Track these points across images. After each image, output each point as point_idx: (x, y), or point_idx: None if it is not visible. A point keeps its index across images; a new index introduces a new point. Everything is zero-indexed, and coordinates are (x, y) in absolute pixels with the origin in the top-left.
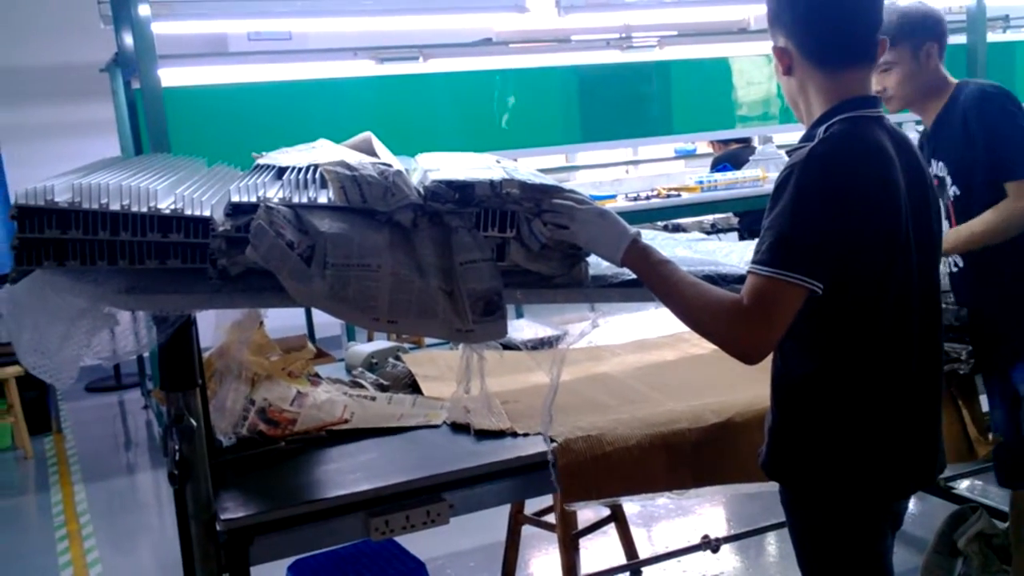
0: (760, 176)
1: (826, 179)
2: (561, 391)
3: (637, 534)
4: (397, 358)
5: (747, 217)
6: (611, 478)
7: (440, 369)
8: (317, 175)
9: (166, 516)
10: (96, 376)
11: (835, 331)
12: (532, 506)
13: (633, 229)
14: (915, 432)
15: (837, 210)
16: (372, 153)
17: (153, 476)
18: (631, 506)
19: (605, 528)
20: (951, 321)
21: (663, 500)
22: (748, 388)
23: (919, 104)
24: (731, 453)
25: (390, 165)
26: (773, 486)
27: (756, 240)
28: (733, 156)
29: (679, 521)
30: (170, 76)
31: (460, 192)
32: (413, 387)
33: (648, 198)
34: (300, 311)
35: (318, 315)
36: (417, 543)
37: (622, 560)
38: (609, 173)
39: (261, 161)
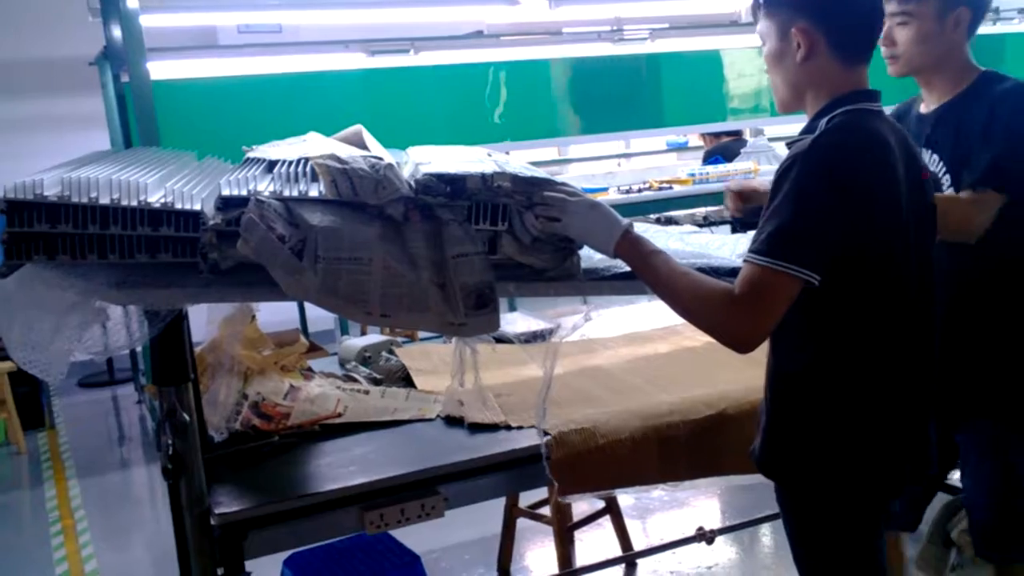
0: (752, 169)
1: (828, 171)
2: (554, 384)
3: (632, 526)
4: (390, 352)
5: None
6: (605, 471)
7: (434, 363)
8: (308, 168)
9: (160, 511)
10: (89, 371)
11: (832, 325)
12: (527, 499)
13: (625, 220)
14: (911, 428)
15: (838, 202)
16: (363, 146)
17: (147, 471)
18: (626, 498)
19: (600, 520)
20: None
21: (658, 492)
22: (741, 380)
23: (927, 75)
24: (725, 445)
25: (381, 158)
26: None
27: (748, 233)
28: (725, 149)
29: (674, 513)
30: (159, 69)
31: (451, 185)
32: (407, 381)
33: (640, 191)
34: (293, 305)
35: (311, 309)
36: (412, 536)
37: (617, 552)
38: (601, 166)
39: (251, 154)
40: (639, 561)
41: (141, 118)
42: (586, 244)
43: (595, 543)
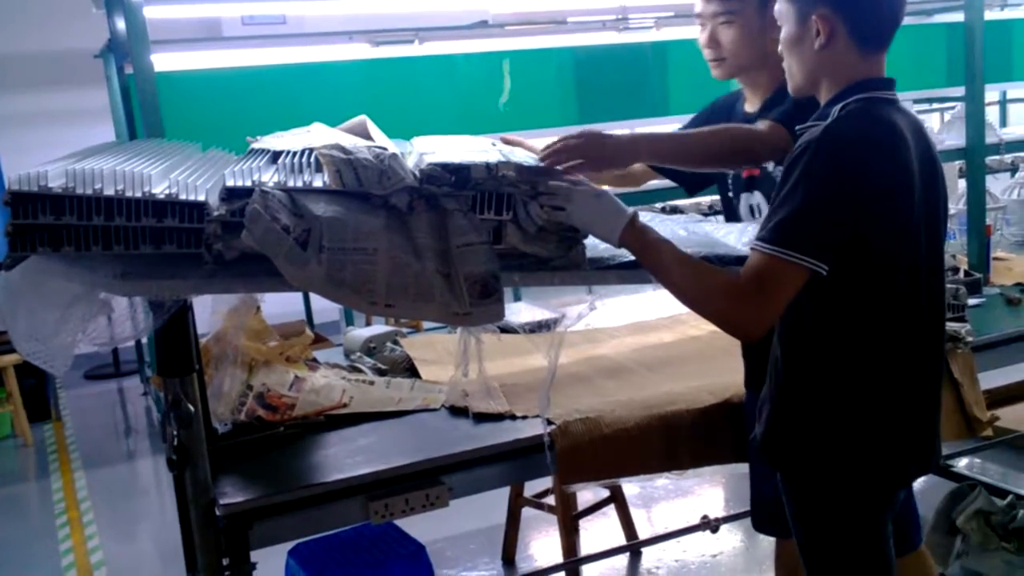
0: None
1: (839, 159)
2: (559, 374)
3: (637, 515)
4: (395, 342)
5: None
6: (610, 460)
7: (438, 353)
8: (312, 159)
9: (166, 502)
10: (95, 363)
11: (839, 314)
12: (531, 488)
13: (630, 209)
14: (918, 418)
15: (849, 190)
16: (367, 137)
17: (153, 462)
18: (630, 487)
19: (605, 509)
20: (949, 299)
21: (662, 481)
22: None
23: (753, 74)
24: (729, 434)
25: (385, 148)
26: None
27: (753, 221)
28: None
29: (678, 502)
30: (164, 61)
31: (456, 175)
32: (411, 371)
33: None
34: (298, 296)
35: (316, 300)
36: (417, 526)
37: (622, 541)
38: None
39: (256, 145)
40: (644, 550)
41: (145, 110)
42: (591, 233)
43: (600, 532)
